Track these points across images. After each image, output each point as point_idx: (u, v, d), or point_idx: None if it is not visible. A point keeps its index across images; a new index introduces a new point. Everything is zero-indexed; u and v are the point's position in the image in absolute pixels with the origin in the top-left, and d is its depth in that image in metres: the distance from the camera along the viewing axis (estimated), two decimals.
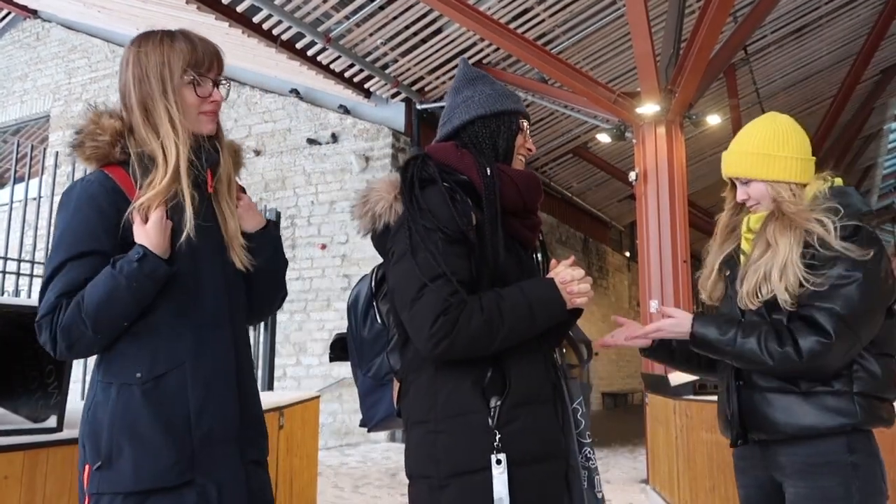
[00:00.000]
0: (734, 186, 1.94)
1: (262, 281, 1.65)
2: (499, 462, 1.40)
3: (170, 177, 1.47)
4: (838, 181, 1.86)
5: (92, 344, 1.45)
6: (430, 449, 1.47)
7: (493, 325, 1.42)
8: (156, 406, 1.45)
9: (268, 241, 1.66)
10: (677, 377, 5.77)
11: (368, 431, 1.80)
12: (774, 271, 1.73)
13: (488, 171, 1.51)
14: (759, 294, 1.76)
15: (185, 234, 1.48)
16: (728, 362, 1.82)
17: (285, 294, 1.77)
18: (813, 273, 1.69)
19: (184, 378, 1.48)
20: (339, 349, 1.81)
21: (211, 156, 1.56)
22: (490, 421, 1.44)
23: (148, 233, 1.45)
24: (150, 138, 1.50)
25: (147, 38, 1.55)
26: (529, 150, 1.66)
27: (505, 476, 1.40)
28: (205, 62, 1.55)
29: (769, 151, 1.82)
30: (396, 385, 1.65)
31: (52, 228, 1.56)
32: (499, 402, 1.45)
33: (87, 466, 1.46)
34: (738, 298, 1.82)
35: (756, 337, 1.71)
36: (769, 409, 1.76)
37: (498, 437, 1.42)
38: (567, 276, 1.51)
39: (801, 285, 1.69)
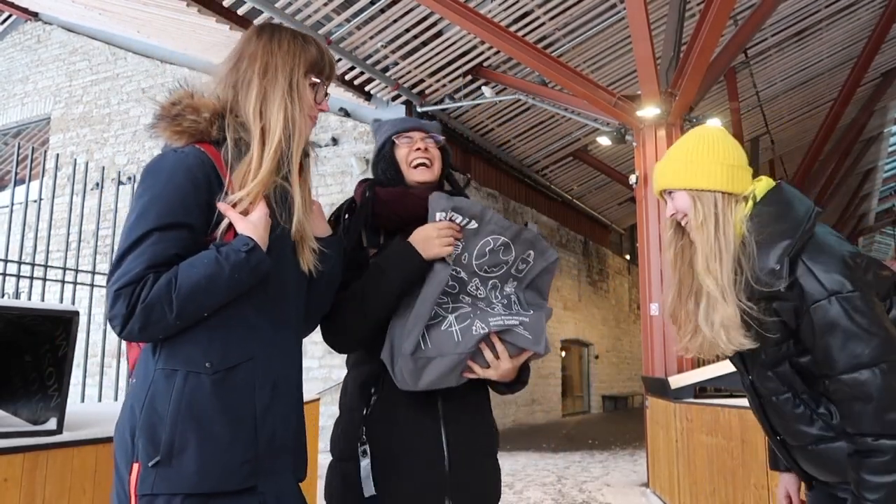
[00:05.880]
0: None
1: (321, 290, 1.62)
2: (364, 453, 1.64)
3: (270, 168, 1.42)
4: (763, 186, 1.64)
5: (166, 330, 1.33)
6: (332, 436, 1.77)
7: (355, 299, 1.66)
8: (225, 399, 1.35)
9: (336, 249, 1.64)
10: (677, 380, 5.76)
11: None
12: (712, 314, 1.59)
13: (367, 194, 1.77)
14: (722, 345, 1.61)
15: (281, 229, 1.45)
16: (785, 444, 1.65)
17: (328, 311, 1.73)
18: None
19: (253, 374, 1.39)
20: None
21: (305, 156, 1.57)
22: (364, 415, 1.68)
23: (256, 225, 1.39)
24: (255, 124, 1.44)
25: (280, 30, 1.53)
26: (419, 149, 1.79)
27: (367, 463, 1.63)
28: (326, 70, 1.55)
29: (691, 158, 1.66)
30: None
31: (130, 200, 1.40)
32: (374, 399, 1.69)
33: (135, 464, 1.31)
34: None
35: (867, 481, 1.46)
36: (824, 459, 1.59)
37: (364, 430, 1.66)
38: (429, 230, 1.66)
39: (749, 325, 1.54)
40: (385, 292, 1.64)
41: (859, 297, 1.48)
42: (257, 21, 7.66)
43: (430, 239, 1.64)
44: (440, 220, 1.67)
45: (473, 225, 1.70)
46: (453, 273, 1.69)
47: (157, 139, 1.46)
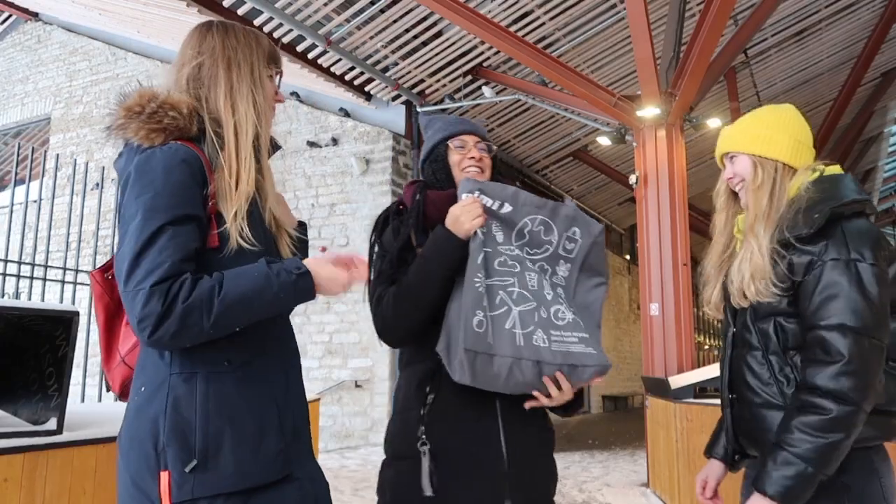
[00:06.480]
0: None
1: None
2: (425, 453, 1.62)
3: (251, 163, 1.42)
4: (832, 169, 1.70)
5: (194, 338, 1.28)
6: (387, 434, 1.79)
7: (403, 291, 1.69)
8: (249, 394, 1.35)
9: (305, 238, 1.66)
10: (677, 380, 5.76)
11: None
12: (745, 265, 1.64)
13: (417, 197, 1.81)
14: (745, 295, 1.66)
15: (262, 221, 1.46)
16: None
17: None
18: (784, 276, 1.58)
19: (267, 366, 1.40)
20: None
21: (276, 148, 1.59)
22: (421, 415, 1.67)
23: (335, 281, 1.43)
24: (228, 118, 1.43)
25: (231, 25, 1.55)
26: (473, 157, 1.84)
27: (429, 463, 1.61)
28: (279, 60, 1.58)
29: (761, 127, 1.75)
30: None
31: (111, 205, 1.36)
32: (432, 399, 1.68)
33: (163, 473, 1.27)
34: (731, 298, 1.72)
35: (796, 433, 1.48)
36: (760, 424, 1.63)
37: (423, 429, 1.65)
38: (455, 210, 1.67)
39: (774, 284, 1.59)
40: (429, 278, 1.66)
41: (875, 272, 1.52)
42: (257, 22, 7.66)
43: (457, 217, 1.66)
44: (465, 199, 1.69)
45: (508, 208, 1.70)
46: (503, 258, 1.69)
47: (115, 139, 1.45)
